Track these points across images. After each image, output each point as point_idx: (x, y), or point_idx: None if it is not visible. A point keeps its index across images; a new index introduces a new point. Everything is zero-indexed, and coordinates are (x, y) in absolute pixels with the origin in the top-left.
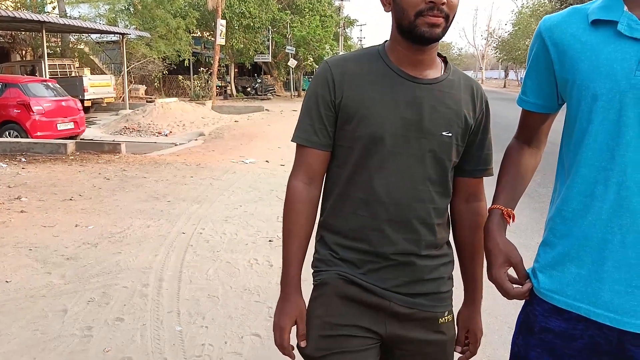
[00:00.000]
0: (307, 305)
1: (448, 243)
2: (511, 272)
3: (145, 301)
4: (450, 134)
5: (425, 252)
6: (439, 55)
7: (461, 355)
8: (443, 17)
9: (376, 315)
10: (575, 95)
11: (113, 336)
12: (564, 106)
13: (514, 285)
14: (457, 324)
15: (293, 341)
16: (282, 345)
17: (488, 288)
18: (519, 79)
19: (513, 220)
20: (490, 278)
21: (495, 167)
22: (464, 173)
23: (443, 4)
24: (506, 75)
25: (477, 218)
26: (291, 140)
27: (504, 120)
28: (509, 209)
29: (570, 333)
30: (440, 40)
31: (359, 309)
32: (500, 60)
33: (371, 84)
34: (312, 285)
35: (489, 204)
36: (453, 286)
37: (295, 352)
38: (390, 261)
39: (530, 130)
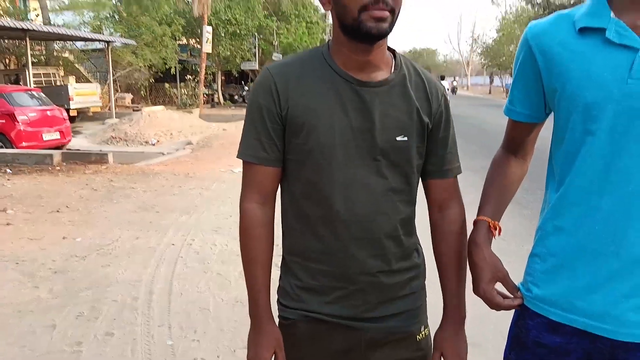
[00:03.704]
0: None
1: (417, 250)
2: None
3: (136, 315)
4: (405, 138)
5: (393, 266)
6: (388, 49)
7: None
8: (389, 11)
9: (352, 353)
10: (565, 105)
11: (103, 351)
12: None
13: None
14: (433, 346)
15: None
16: None
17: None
18: (504, 85)
19: (499, 234)
20: (478, 293)
21: (483, 174)
22: (431, 175)
23: None
24: (491, 81)
25: (454, 228)
26: (237, 157)
27: (490, 127)
28: (495, 222)
29: (565, 348)
30: (387, 36)
31: (333, 351)
32: (485, 67)
33: (318, 92)
34: (278, 317)
35: (474, 215)
36: (426, 296)
37: None
38: (357, 284)
39: (517, 140)
